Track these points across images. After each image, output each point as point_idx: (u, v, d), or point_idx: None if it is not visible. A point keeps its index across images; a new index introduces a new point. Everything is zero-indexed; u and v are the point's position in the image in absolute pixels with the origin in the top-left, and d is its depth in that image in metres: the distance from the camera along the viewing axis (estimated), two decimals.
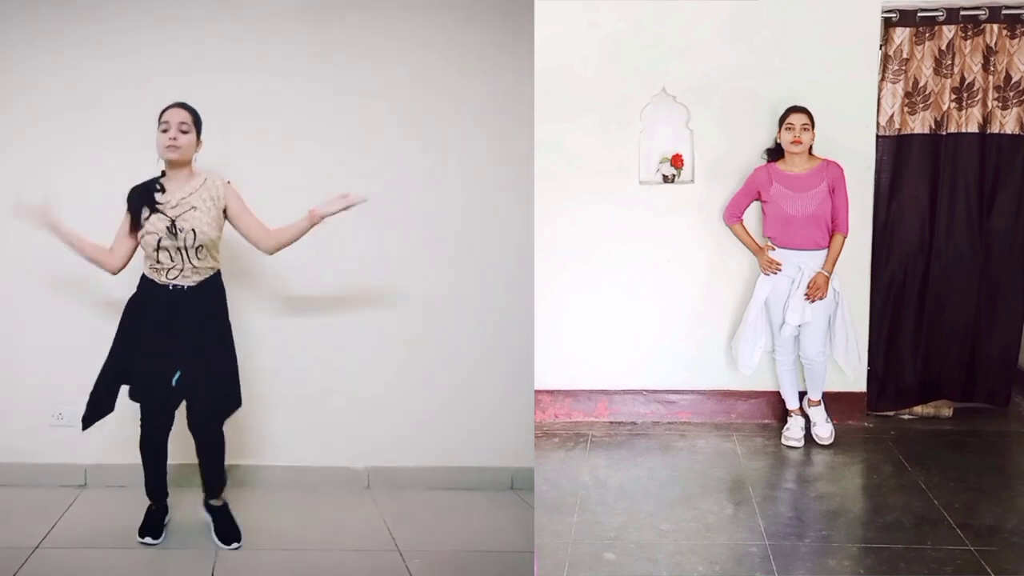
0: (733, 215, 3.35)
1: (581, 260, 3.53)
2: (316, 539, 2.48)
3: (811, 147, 3.19)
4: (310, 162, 2.88)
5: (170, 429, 2.45)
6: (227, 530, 2.44)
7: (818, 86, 3.29)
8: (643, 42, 3.39)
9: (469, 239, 3.04)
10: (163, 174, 2.41)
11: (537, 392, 3.49)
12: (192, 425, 2.42)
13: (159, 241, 2.34)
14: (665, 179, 3.48)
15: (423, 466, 2.99)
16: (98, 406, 2.42)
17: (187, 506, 2.70)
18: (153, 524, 2.47)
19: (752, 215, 3.38)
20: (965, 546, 2.44)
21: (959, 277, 3.44)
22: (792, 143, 3.13)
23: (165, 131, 2.34)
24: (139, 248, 2.40)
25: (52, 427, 2.88)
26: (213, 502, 2.50)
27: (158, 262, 2.35)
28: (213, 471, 2.47)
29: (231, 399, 2.44)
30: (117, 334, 2.41)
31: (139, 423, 2.43)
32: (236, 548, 2.39)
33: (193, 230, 2.34)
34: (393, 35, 2.96)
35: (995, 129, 3.34)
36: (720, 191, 3.41)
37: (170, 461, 2.90)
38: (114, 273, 2.43)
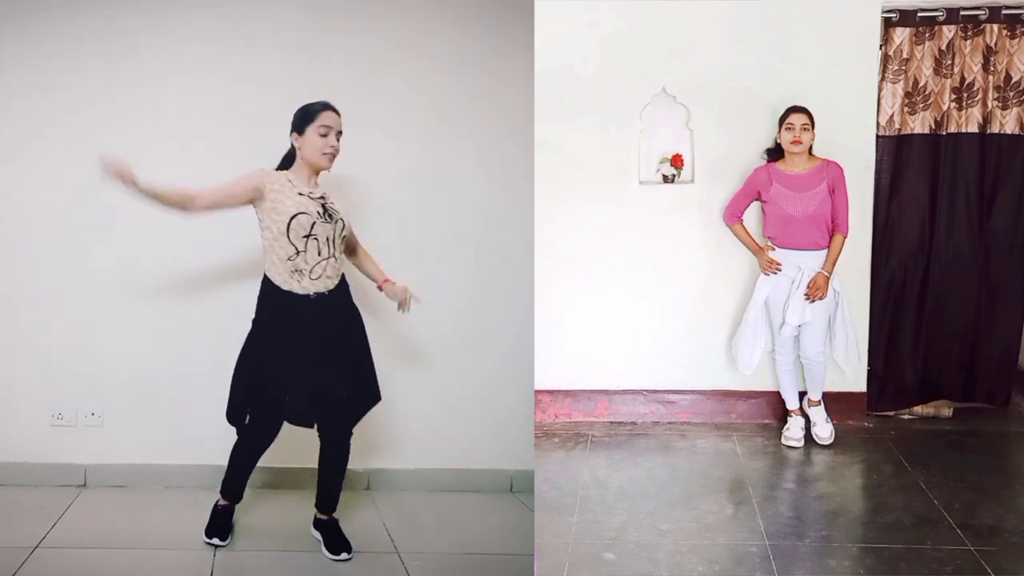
0: (733, 215, 3.35)
1: (581, 260, 3.53)
2: (316, 540, 2.47)
3: (811, 147, 3.19)
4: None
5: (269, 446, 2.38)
6: (338, 542, 2.37)
7: (818, 86, 3.29)
8: (643, 42, 3.39)
9: (469, 239, 3.04)
10: (288, 163, 2.25)
11: (537, 392, 3.49)
12: (327, 440, 2.32)
13: (312, 225, 2.12)
14: (665, 179, 3.48)
15: (423, 468, 2.99)
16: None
17: (186, 506, 2.70)
18: (223, 524, 2.40)
19: (752, 215, 3.38)
20: (965, 546, 2.44)
21: (959, 277, 3.44)
22: (792, 143, 3.13)
23: (325, 136, 2.18)
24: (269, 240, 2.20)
25: (52, 427, 2.88)
26: (323, 516, 2.41)
27: (304, 252, 2.12)
28: (334, 485, 2.38)
29: (373, 397, 2.38)
30: (249, 353, 2.24)
31: (247, 431, 2.32)
32: (347, 559, 2.32)
33: (342, 219, 2.21)
34: (393, 35, 2.96)
35: (995, 129, 3.34)
36: (720, 191, 3.41)
37: (170, 461, 2.91)
38: (192, 212, 2.20)
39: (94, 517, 2.61)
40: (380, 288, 2.43)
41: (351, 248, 2.45)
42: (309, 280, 2.19)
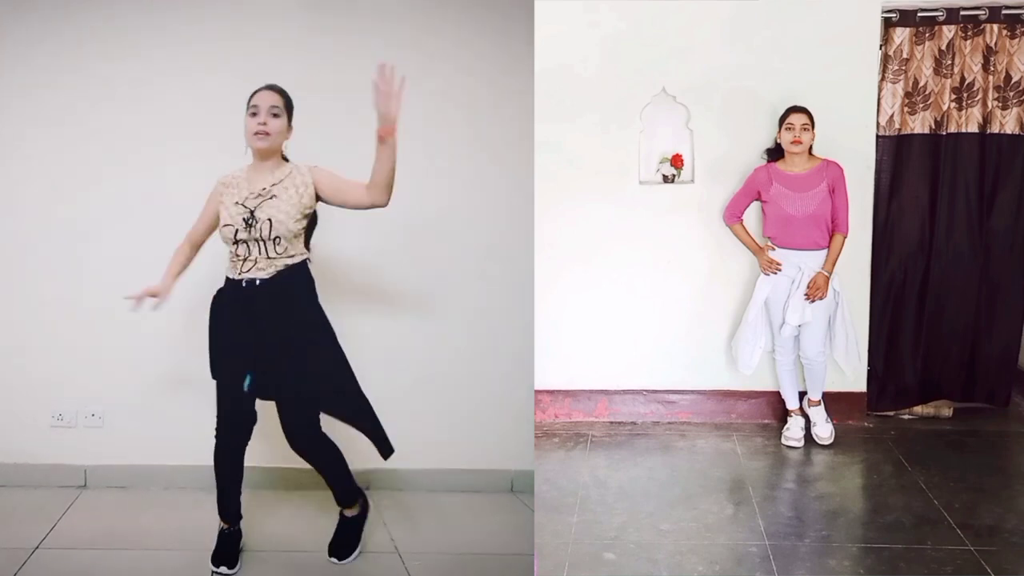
0: (733, 215, 3.35)
1: (581, 260, 3.53)
2: (316, 540, 2.47)
3: (811, 147, 3.19)
4: (310, 162, 2.87)
5: (246, 443, 2.30)
6: (341, 542, 2.36)
7: (818, 86, 3.29)
8: (643, 42, 3.39)
9: (469, 239, 3.04)
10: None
11: (537, 392, 3.49)
12: (286, 434, 2.26)
13: (236, 233, 2.20)
14: (665, 179, 3.48)
15: (423, 468, 2.99)
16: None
17: (186, 506, 2.70)
18: (228, 551, 2.29)
19: (752, 215, 3.38)
20: (965, 546, 2.44)
21: (959, 277, 3.44)
22: (792, 143, 3.13)
23: (254, 115, 2.18)
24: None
25: (52, 428, 2.88)
26: (346, 512, 2.41)
27: (236, 255, 2.23)
28: (332, 479, 2.34)
29: (325, 398, 2.27)
30: (209, 337, 2.30)
31: (217, 429, 2.29)
32: (342, 562, 2.32)
33: (269, 219, 2.18)
34: (392, 35, 2.95)
35: (995, 129, 3.34)
36: (720, 191, 3.41)
37: (170, 462, 2.91)
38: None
39: (94, 518, 2.61)
40: (382, 133, 2.26)
41: (363, 200, 2.27)
42: (240, 271, 2.25)
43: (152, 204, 2.86)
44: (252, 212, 2.21)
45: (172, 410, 2.88)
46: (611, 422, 3.60)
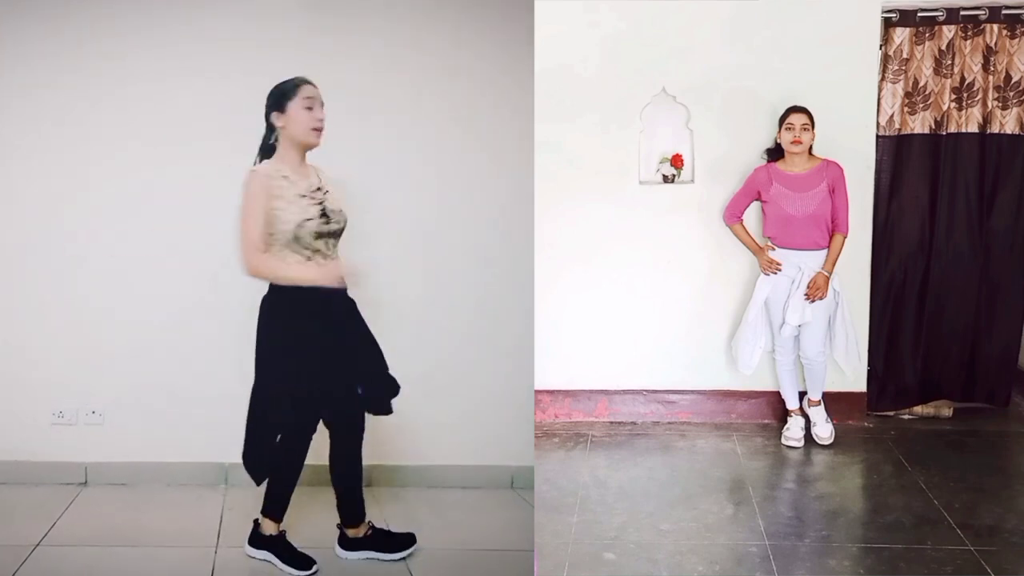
0: (733, 215, 3.35)
1: (581, 260, 3.53)
2: (316, 537, 2.47)
3: (811, 147, 3.19)
4: (310, 162, 2.88)
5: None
6: (399, 542, 2.31)
7: (818, 86, 3.29)
8: (643, 42, 3.39)
9: (469, 239, 3.04)
10: (260, 159, 2.11)
11: (537, 392, 3.49)
12: (340, 444, 2.24)
13: (317, 227, 2.06)
14: (665, 179, 3.48)
15: (424, 465, 2.99)
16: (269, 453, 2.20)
17: (187, 503, 2.70)
18: (294, 551, 2.22)
19: (752, 215, 3.38)
20: (965, 546, 2.44)
21: (959, 277, 3.44)
22: (792, 143, 3.13)
23: (310, 108, 2.07)
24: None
25: (52, 425, 2.89)
26: (352, 533, 2.30)
27: (314, 252, 2.08)
28: (357, 497, 2.29)
29: (387, 399, 2.25)
30: (288, 360, 2.11)
31: (289, 444, 2.20)
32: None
33: (341, 210, 2.11)
34: (392, 35, 2.96)
35: (995, 129, 3.34)
36: (720, 191, 3.41)
37: (171, 459, 2.92)
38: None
39: (95, 515, 2.61)
40: None
41: None
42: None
43: (152, 204, 2.87)
44: (323, 206, 2.09)
45: (172, 407, 2.89)
46: (611, 422, 3.60)
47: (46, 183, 2.87)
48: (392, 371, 2.97)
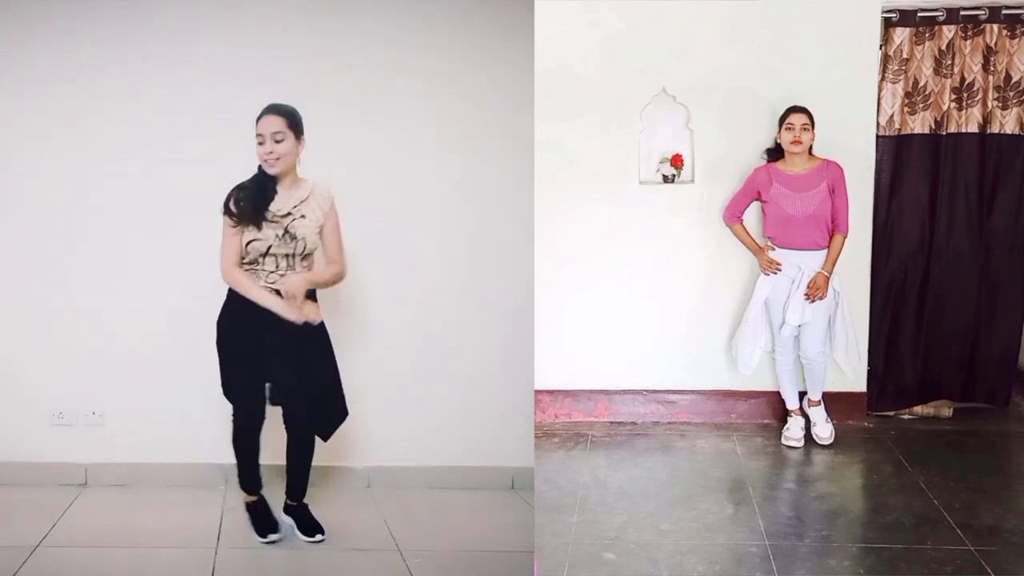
0: (733, 215, 3.35)
1: (581, 260, 3.53)
2: (325, 539, 2.48)
3: (811, 147, 3.19)
4: (309, 163, 2.88)
5: (261, 426, 2.42)
6: (309, 525, 2.46)
7: (818, 86, 3.29)
8: (643, 42, 3.39)
9: (469, 239, 3.04)
10: (262, 175, 2.33)
11: (537, 392, 3.49)
12: (289, 433, 2.43)
13: (268, 248, 2.29)
14: (665, 179, 3.48)
15: (424, 466, 2.99)
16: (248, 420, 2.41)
17: (187, 504, 2.70)
18: (265, 518, 2.45)
19: (752, 215, 3.38)
20: (965, 546, 2.44)
21: (959, 277, 3.44)
22: (792, 143, 3.13)
23: (261, 143, 2.28)
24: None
25: (53, 426, 2.88)
26: (293, 503, 2.51)
27: (261, 267, 2.31)
28: (299, 475, 2.49)
29: (335, 412, 2.42)
30: (219, 350, 2.37)
31: (233, 420, 2.43)
32: (320, 540, 2.42)
33: (304, 239, 2.31)
34: (393, 35, 2.96)
35: (995, 129, 3.34)
36: (720, 191, 3.41)
37: (171, 460, 2.91)
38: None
39: (95, 516, 2.61)
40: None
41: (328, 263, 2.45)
42: (264, 283, 2.33)
43: (152, 205, 2.86)
44: (285, 229, 2.30)
45: (172, 409, 2.89)
46: (611, 422, 3.60)
47: (46, 184, 2.86)
48: (392, 371, 2.99)
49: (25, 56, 2.83)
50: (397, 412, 3.00)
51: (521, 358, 3.05)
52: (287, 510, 2.51)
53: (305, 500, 2.52)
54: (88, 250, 2.88)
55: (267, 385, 2.36)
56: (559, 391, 3.62)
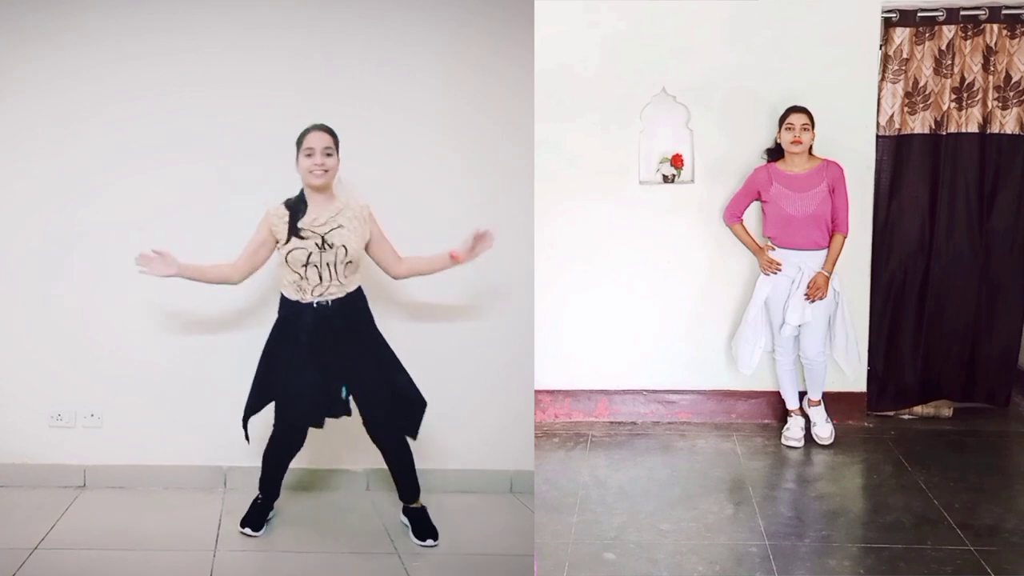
0: (733, 215, 3.34)
1: (581, 260, 3.53)
2: (315, 541, 2.47)
3: (811, 147, 3.19)
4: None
5: (302, 445, 2.48)
6: (424, 529, 2.49)
7: (818, 86, 3.29)
8: (643, 42, 3.39)
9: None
10: (302, 194, 2.41)
11: (537, 392, 3.49)
12: (375, 437, 2.47)
13: (308, 256, 2.35)
14: (665, 179, 3.47)
15: (423, 468, 2.97)
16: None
17: (185, 506, 2.70)
18: (257, 517, 2.50)
19: (752, 215, 3.37)
20: (965, 546, 2.44)
21: (959, 277, 3.43)
22: (792, 143, 3.13)
23: (310, 156, 2.35)
24: (276, 265, 2.43)
25: (51, 428, 2.87)
26: (412, 506, 2.55)
27: (304, 279, 2.37)
28: (405, 477, 2.53)
29: (412, 405, 2.47)
30: (263, 358, 2.42)
31: (274, 436, 2.45)
32: (433, 546, 2.45)
33: (344, 246, 2.37)
34: (392, 35, 2.95)
35: (995, 129, 3.34)
36: (720, 191, 3.41)
37: (170, 462, 2.91)
38: (235, 283, 2.48)
39: (93, 518, 2.61)
40: (456, 259, 2.52)
41: (388, 267, 2.55)
42: (311, 295, 2.40)
43: (152, 206, 2.85)
44: (323, 238, 2.37)
45: (171, 410, 2.88)
46: (611, 422, 3.60)
47: (45, 185, 2.85)
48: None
49: (23, 56, 2.82)
50: None
51: (521, 358, 3.04)
52: (405, 512, 2.56)
53: (421, 503, 2.55)
54: (87, 251, 2.87)
55: (343, 391, 2.40)
56: (559, 391, 3.62)
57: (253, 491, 2.57)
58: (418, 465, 2.98)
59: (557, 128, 3.42)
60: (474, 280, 3.03)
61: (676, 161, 3.46)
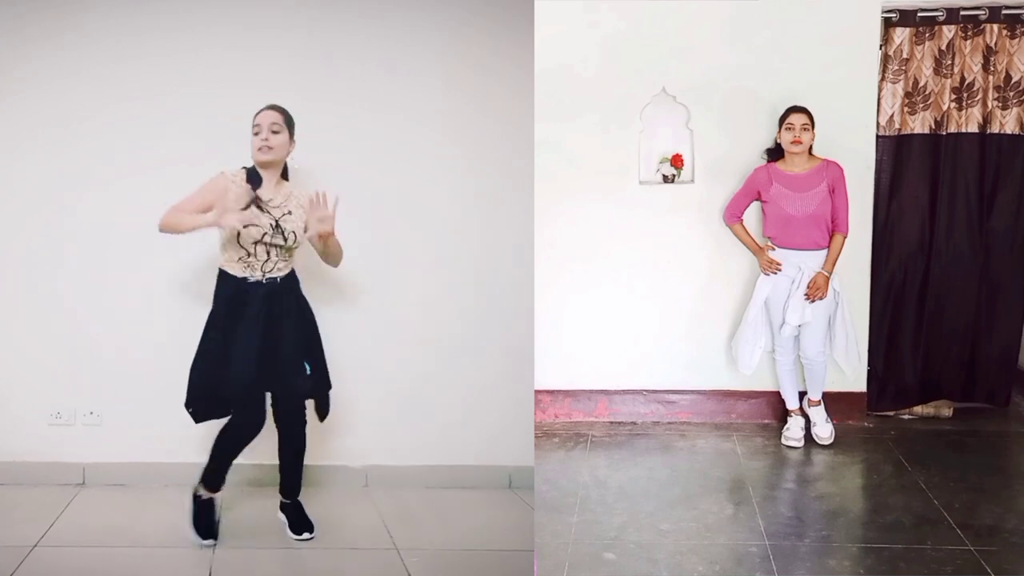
0: (733, 215, 3.34)
1: (581, 260, 3.53)
2: (314, 537, 2.47)
3: (811, 147, 3.19)
4: (307, 164, 2.88)
5: (263, 426, 2.43)
6: (300, 523, 2.49)
7: (818, 86, 3.29)
8: (643, 42, 3.39)
9: (469, 239, 3.04)
10: (255, 169, 2.42)
11: (537, 392, 3.49)
12: (282, 429, 2.46)
13: (263, 236, 2.37)
14: (665, 179, 3.48)
15: (421, 465, 2.99)
16: (206, 407, 2.42)
17: (184, 504, 2.69)
18: (211, 521, 2.43)
19: (752, 215, 3.37)
20: (965, 546, 2.44)
21: (959, 277, 3.43)
22: (792, 143, 3.13)
23: (257, 134, 2.40)
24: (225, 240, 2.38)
25: (51, 426, 2.88)
26: (287, 501, 2.54)
27: (253, 256, 2.38)
28: (294, 473, 2.52)
29: (327, 386, 2.52)
30: (211, 334, 2.39)
31: (233, 423, 2.40)
32: (309, 539, 2.45)
33: (294, 232, 2.41)
34: (392, 35, 2.96)
35: (995, 129, 3.33)
36: (720, 191, 3.41)
37: (169, 460, 2.91)
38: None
39: (93, 516, 2.61)
40: (320, 237, 2.45)
41: (326, 257, 2.53)
42: (260, 271, 2.41)
43: (151, 206, 2.85)
44: (277, 221, 2.40)
45: (170, 408, 2.86)
46: (611, 422, 3.60)
47: (45, 185, 2.86)
48: (392, 370, 2.99)
49: (23, 56, 2.83)
50: (395, 411, 3.00)
51: (521, 358, 3.04)
52: (282, 508, 2.52)
53: (300, 499, 2.53)
54: (86, 250, 2.87)
55: (306, 367, 2.42)
56: (559, 391, 3.62)
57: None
58: (416, 461, 2.98)
59: (557, 128, 3.42)
60: (474, 280, 3.04)
61: (676, 161, 3.46)
